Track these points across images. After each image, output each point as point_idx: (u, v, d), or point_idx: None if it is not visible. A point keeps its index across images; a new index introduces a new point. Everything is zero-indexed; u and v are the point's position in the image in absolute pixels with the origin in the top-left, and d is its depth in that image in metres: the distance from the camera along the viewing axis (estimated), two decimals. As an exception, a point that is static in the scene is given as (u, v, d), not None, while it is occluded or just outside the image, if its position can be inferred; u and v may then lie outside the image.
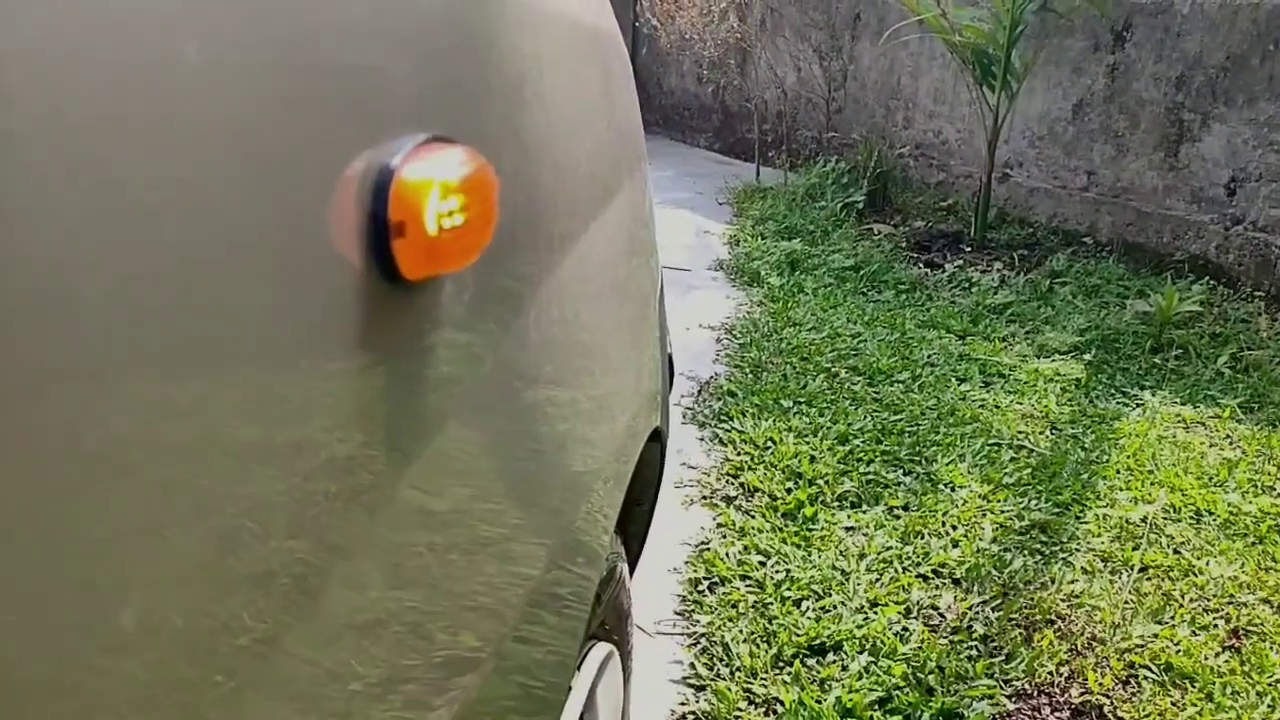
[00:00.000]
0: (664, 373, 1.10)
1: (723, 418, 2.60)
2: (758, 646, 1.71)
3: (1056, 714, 1.61)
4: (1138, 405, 2.80)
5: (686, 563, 1.96)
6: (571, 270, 0.68)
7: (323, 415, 0.40)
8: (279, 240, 0.38)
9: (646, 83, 7.23)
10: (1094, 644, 1.76)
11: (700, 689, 1.62)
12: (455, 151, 0.47)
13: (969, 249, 4.30)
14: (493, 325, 0.56)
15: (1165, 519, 2.18)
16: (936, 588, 1.91)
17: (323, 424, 0.40)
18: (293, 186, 0.39)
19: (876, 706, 1.58)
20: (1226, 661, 1.72)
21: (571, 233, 0.68)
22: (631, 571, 1.14)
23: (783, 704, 1.57)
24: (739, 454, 2.40)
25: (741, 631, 1.74)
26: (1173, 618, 1.84)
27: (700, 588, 1.88)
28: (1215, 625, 1.82)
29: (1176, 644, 1.76)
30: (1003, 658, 1.72)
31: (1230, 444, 2.58)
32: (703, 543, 2.03)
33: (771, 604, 1.82)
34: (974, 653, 1.73)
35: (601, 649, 0.93)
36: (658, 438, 1.04)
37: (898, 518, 2.15)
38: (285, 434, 0.38)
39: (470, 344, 0.53)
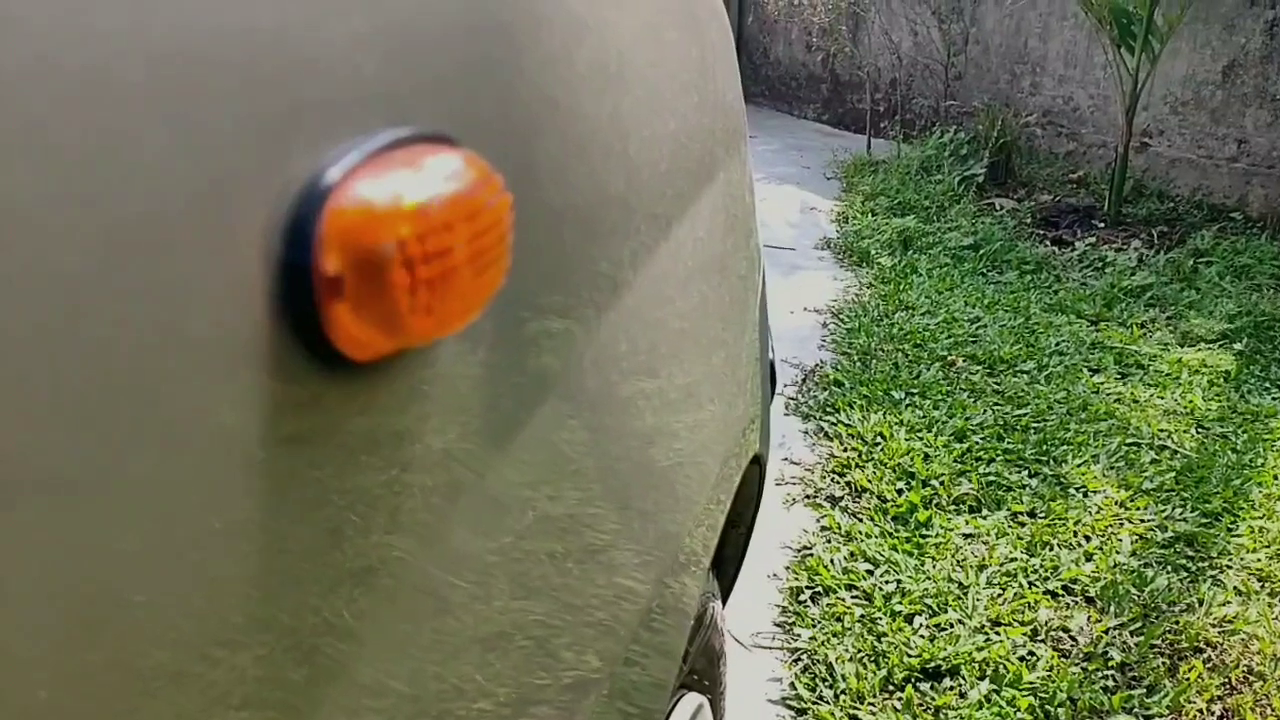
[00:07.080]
0: (765, 387, 0.97)
1: (828, 409, 2.44)
2: (865, 667, 1.57)
3: (1207, 759, 1.43)
4: (1298, 402, 2.52)
5: (787, 569, 1.83)
6: (649, 286, 0.56)
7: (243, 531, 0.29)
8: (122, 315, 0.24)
9: (752, 52, 7.00)
10: (1251, 679, 1.56)
11: (800, 713, 1.50)
12: (446, 159, 0.31)
13: (1102, 225, 3.99)
14: (529, 375, 0.43)
15: (1334, 534, 1.94)
16: (1067, 607, 1.73)
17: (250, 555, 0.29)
18: (143, 218, 0.24)
19: (998, 742, 1.43)
20: None
21: (648, 243, 0.55)
22: (725, 600, 1.02)
23: (892, 734, 1.44)
24: (845, 450, 2.25)
25: (847, 649, 1.61)
26: (1346, 652, 1.62)
27: (802, 598, 1.75)
28: (1399, 663, 1.59)
29: (1352, 684, 1.54)
30: (1144, 690, 1.54)
31: None
32: (805, 547, 1.90)
33: (880, 619, 1.68)
34: (1110, 683, 1.55)
35: (691, 701, 0.82)
36: (758, 461, 0.92)
37: (1022, 525, 1.97)
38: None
39: (492, 404, 0.40)
